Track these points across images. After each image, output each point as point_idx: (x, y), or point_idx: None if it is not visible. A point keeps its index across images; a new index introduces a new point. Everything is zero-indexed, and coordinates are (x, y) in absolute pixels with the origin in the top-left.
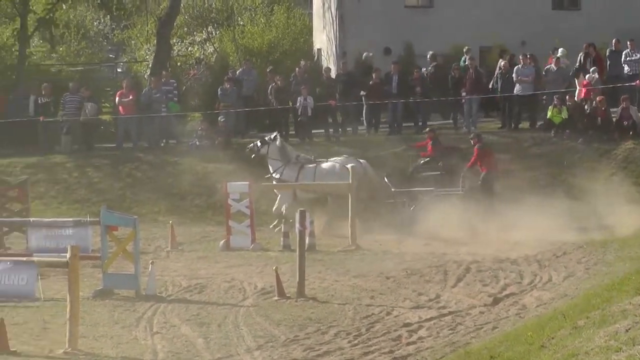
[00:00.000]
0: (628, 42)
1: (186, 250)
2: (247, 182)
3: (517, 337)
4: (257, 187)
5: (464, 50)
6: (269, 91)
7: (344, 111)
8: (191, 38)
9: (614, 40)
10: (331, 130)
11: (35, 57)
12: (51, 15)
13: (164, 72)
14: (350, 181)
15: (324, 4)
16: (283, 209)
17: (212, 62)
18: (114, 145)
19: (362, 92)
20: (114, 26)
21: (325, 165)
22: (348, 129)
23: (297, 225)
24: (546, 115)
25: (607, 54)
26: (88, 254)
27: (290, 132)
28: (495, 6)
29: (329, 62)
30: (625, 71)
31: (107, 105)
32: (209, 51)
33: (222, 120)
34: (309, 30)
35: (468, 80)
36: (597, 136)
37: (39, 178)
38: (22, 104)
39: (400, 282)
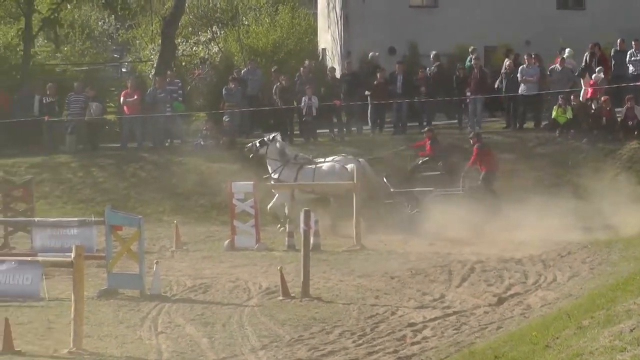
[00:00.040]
0: (633, 42)
1: (191, 250)
2: (251, 182)
3: (522, 337)
4: (261, 187)
5: (470, 50)
6: (273, 91)
7: (349, 111)
8: (196, 38)
9: (618, 40)
10: (336, 130)
11: (39, 57)
12: (56, 15)
13: (168, 72)
14: (355, 181)
15: (328, 4)
16: (286, 209)
17: (216, 62)
18: (119, 145)
19: (366, 92)
20: (118, 26)
21: (324, 165)
22: (353, 128)
23: (302, 225)
24: (551, 115)
25: (612, 53)
26: (93, 254)
27: (295, 132)
28: (499, 6)
29: (334, 62)
30: (630, 71)
31: (112, 105)
32: (213, 51)
33: (226, 120)
34: (313, 30)
35: (473, 80)
36: (601, 136)
37: (43, 178)
38: (27, 103)
39: (405, 282)
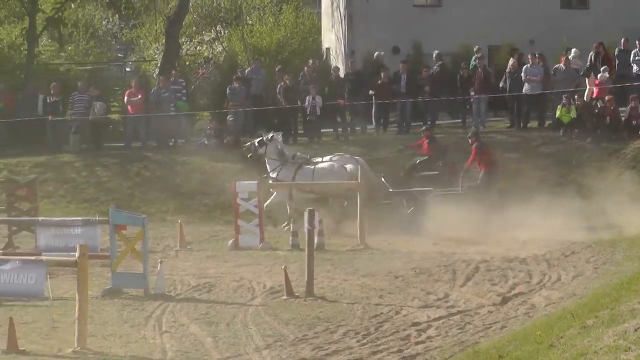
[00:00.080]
0: (637, 42)
1: (195, 249)
2: (255, 182)
3: (526, 337)
4: (265, 186)
5: (475, 49)
6: (277, 90)
7: (353, 110)
8: (200, 37)
9: (622, 40)
10: (340, 129)
11: (43, 57)
12: (60, 14)
13: (172, 72)
14: (359, 180)
15: (332, 3)
16: (288, 208)
17: (220, 62)
18: (123, 144)
19: (370, 92)
20: (122, 25)
21: (323, 165)
22: (357, 128)
23: (306, 224)
24: (555, 114)
25: (616, 53)
26: (97, 253)
27: (299, 132)
28: (503, 5)
29: (338, 62)
30: (634, 70)
31: (116, 104)
32: (217, 50)
33: (230, 119)
34: (317, 30)
35: (477, 79)
36: (605, 135)
37: (47, 177)
38: (31, 103)
39: (409, 281)
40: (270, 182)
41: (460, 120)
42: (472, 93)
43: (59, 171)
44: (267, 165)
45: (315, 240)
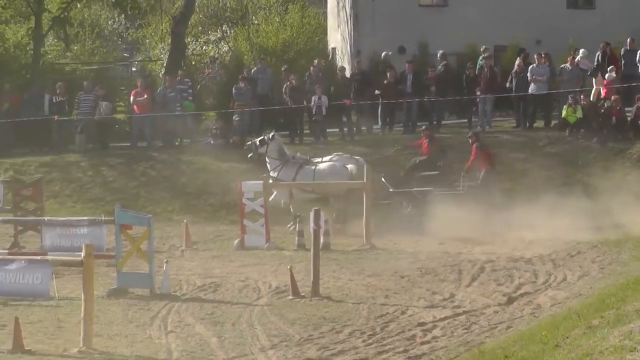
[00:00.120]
0: None
1: (200, 249)
2: (261, 181)
3: (532, 337)
4: (271, 186)
5: (482, 49)
6: (283, 90)
7: (359, 110)
8: (206, 37)
9: (628, 40)
10: (345, 129)
11: (49, 56)
12: (66, 14)
13: (178, 71)
14: (365, 180)
15: (338, 3)
16: (291, 209)
17: (226, 61)
18: (129, 144)
19: (376, 91)
20: (128, 25)
21: (324, 165)
22: (362, 128)
23: (312, 224)
24: (561, 114)
25: (622, 53)
26: (102, 253)
27: (305, 131)
28: (509, 5)
29: (344, 61)
30: None
31: (122, 104)
32: (223, 50)
33: (236, 119)
34: (323, 29)
35: (483, 79)
36: (611, 135)
37: (53, 177)
38: (37, 103)
39: (415, 281)
40: (270, 181)
41: (466, 120)
42: (478, 93)
43: (65, 171)
44: (268, 164)
45: (321, 240)
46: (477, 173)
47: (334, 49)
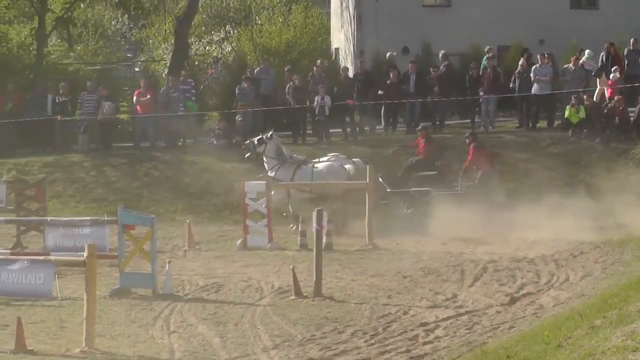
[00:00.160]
0: None
1: (203, 249)
2: (264, 182)
3: (534, 337)
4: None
5: (486, 50)
6: (286, 90)
7: (362, 110)
8: (209, 37)
9: (632, 40)
10: (349, 129)
11: (53, 56)
12: (69, 14)
13: (181, 72)
14: (368, 180)
15: (341, 3)
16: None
17: (229, 61)
18: (132, 144)
19: (379, 92)
20: (131, 25)
21: (322, 165)
22: (365, 128)
23: (314, 224)
24: (564, 114)
25: (625, 53)
26: (105, 253)
27: (308, 131)
28: (512, 5)
29: (347, 62)
30: None
31: (125, 104)
32: (226, 50)
33: (239, 119)
34: (326, 30)
35: (486, 79)
36: (614, 136)
37: (56, 177)
38: (40, 103)
39: (417, 281)
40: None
41: (469, 120)
42: (481, 93)
43: (68, 171)
44: (265, 164)
45: (324, 240)
46: (475, 173)
47: (337, 49)
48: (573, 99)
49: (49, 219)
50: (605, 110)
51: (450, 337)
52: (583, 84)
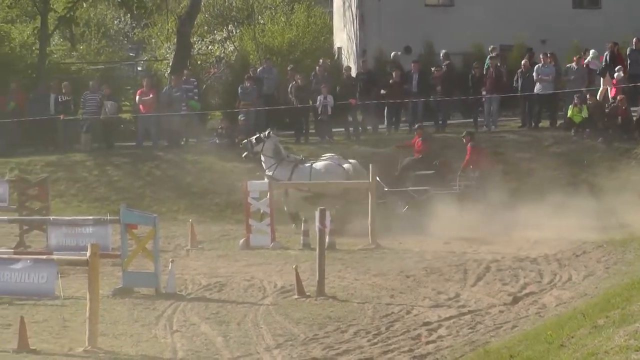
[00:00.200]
0: None
1: (206, 248)
2: (267, 181)
3: (537, 336)
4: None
5: (489, 49)
6: (289, 90)
7: (364, 110)
8: (211, 36)
9: (634, 40)
10: (351, 129)
11: (55, 56)
12: (72, 13)
13: (184, 71)
14: (370, 179)
15: (344, 3)
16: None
17: (232, 61)
18: (134, 143)
19: (382, 91)
20: (134, 25)
21: (320, 164)
22: (368, 127)
23: (317, 224)
24: (566, 114)
25: (628, 52)
26: (108, 252)
27: (311, 131)
28: (515, 5)
29: (349, 61)
30: None
31: (127, 103)
32: (229, 50)
33: (242, 118)
34: (329, 29)
35: (488, 79)
36: (617, 135)
37: (59, 176)
38: (43, 102)
39: (420, 280)
40: (265, 179)
41: (472, 119)
42: (484, 93)
43: (71, 170)
44: (263, 163)
45: (327, 240)
46: (472, 172)
47: (339, 48)
48: (576, 98)
49: (51, 218)
50: (608, 110)
51: (453, 337)
52: (586, 84)
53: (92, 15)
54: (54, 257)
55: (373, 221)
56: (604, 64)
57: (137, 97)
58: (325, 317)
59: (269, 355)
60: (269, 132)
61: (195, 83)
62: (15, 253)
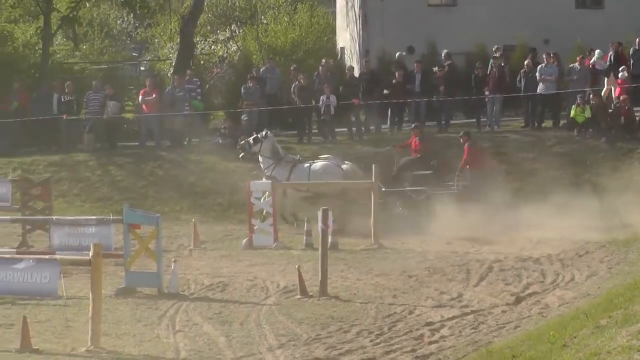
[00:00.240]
0: None
1: (209, 248)
2: (270, 181)
3: (539, 336)
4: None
5: (494, 49)
6: (292, 90)
7: (367, 110)
8: (214, 36)
9: (637, 40)
10: (354, 128)
11: (58, 56)
12: (75, 13)
13: (187, 71)
14: (373, 179)
15: (347, 3)
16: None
17: (235, 61)
18: (137, 143)
19: (385, 91)
20: (137, 24)
21: (319, 164)
22: (371, 127)
23: (320, 224)
24: (569, 114)
25: (631, 52)
26: (111, 252)
27: (313, 131)
28: (518, 5)
29: (352, 61)
30: None
31: (130, 103)
32: (232, 49)
33: (245, 118)
34: (332, 29)
35: (491, 79)
36: (620, 135)
37: (62, 176)
38: (46, 102)
39: (423, 280)
40: (264, 179)
41: (474, 119)
42: (487, 92)
43: (73, 170)
44: (261, 163)
45: (329, 240)
46: (470, 172)
47: (342, 48)
48: (579, 98)
49: (54, 218)
50: (611, 110)
51: (456, 337)
52: (589, 84)
53: (95, 15)
54: (57, 256)
55: (376, 221)
56: (608, 63)
57: (140, 97)
58: (327, 317)
59: (272, 355)
60: (266, 133)
61: (198, 83)
62: (18, 253)
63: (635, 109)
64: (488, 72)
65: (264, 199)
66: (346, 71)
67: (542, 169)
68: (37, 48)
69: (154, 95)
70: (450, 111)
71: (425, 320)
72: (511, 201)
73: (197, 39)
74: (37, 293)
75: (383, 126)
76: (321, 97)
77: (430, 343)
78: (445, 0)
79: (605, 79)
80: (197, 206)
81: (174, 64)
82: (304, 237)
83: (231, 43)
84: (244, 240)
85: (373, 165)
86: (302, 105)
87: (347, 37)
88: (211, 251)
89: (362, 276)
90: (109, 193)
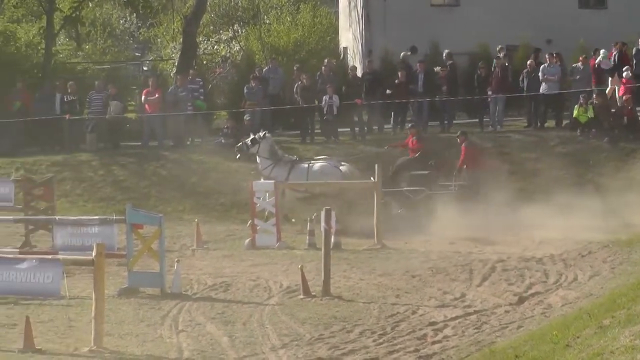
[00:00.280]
0: None
1: (211, 248)
2: (272, 181)
3: (542, 336)
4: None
5: (497, 49)
6: (294, 90)
7: (370, 110)
8: (217, 36)
9: None
10: (357, 128)
11: (61, 55)
12: (77, 13)
13: (190, 71)
14: (375, 179)
15: (350, 3)
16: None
17: (238, 61)
18: (140, 143)
19: (388, 91)
20: (140, 24)
21: (317, 164)
22: (374, 127)
23: (323, 224)
24: (572, 114)
25: (634, 52)
26: (113, 252)
27: (316, 131)
28: (521, 5)
29: (355, 61)
30: None
31: (133, 103)
32: (235, 49)
33: (247, 118)
34: (335, 29)
35: (494, 79)
36: (623, 135)
37: (64, 176)
38: (48, 102)
39: (426, 280)
40: (262, 180)
41: (477, 119)
42: (490, 93)
43: (76, 170)
44: (259, 164)
45: (332, 240)
46: (467, 172)
47: (345, 48)
48: (581, 98)
49: (57, 218)
50: (614, 110)
51: (459, 337)
52: (592, 84)
53: (97, 14)
54: (60, 256)
55: (378, 221)
56: (612, 63)
57: (143, 97)
58: (330, 317)
59: (275, 355)
60: (264, 134)
61: (201, 83)
62: (20, 253)
63: (638, 109)
64: (491, 72)
65: (264, 199)
66: (349, 71)
67: (544, 169)
68: (39, 48)
69: (156, 95)
70: (453, 111)
71: (428, 320)
72: (512, 201)
73: (200, 38)
74: (40, 293)
75: (386, 126)
76: (324, 97)
77: (433, 343)
78: (448, 0)
79: (610, 78)
80: (200, 206)
81: (176, 63)
82: (307, 237)
83: (234, 43)
84: (247, 240)
85: (376, 165)
86: (304, 105)
87: (349, 37)
88: (214, 251)
89: (365, 276)
90: (111, 193)
